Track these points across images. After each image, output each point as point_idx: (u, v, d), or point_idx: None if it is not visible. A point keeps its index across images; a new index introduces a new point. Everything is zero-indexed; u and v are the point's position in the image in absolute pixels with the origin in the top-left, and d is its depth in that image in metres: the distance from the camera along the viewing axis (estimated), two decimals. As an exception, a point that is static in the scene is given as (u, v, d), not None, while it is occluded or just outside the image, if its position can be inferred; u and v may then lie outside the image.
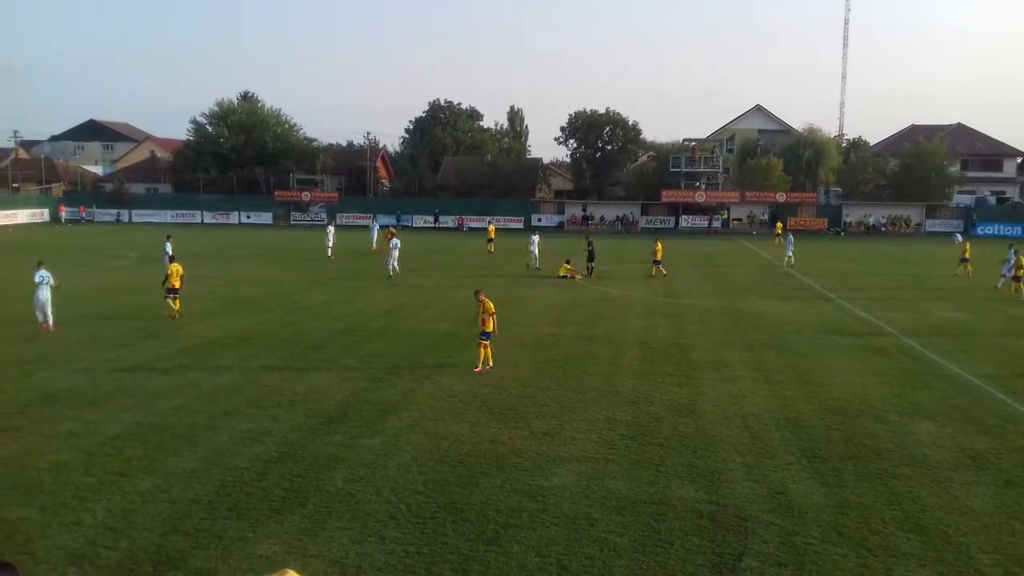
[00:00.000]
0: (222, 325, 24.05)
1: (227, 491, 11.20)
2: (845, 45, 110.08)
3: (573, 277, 36.93)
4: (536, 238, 43.12)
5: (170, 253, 30.51)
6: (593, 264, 38.39)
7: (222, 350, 20.44)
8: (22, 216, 77.16)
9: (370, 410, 15.23)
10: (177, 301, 25.28)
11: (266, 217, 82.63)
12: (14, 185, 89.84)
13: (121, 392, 16.32)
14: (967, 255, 40.55)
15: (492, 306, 18.53)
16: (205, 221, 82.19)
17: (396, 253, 37.64)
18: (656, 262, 38.72)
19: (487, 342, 18.49)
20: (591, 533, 9.98)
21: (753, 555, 9.46)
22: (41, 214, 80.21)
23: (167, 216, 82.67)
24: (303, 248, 53.14)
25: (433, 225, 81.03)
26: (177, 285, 25.28)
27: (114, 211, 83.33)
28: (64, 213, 79.60)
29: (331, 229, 48.96)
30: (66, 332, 22.66)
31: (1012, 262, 33.65)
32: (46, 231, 68.01)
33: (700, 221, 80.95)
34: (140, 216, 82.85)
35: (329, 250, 46.85)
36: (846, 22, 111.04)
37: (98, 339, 21.75)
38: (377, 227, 57.07)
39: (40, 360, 19.16)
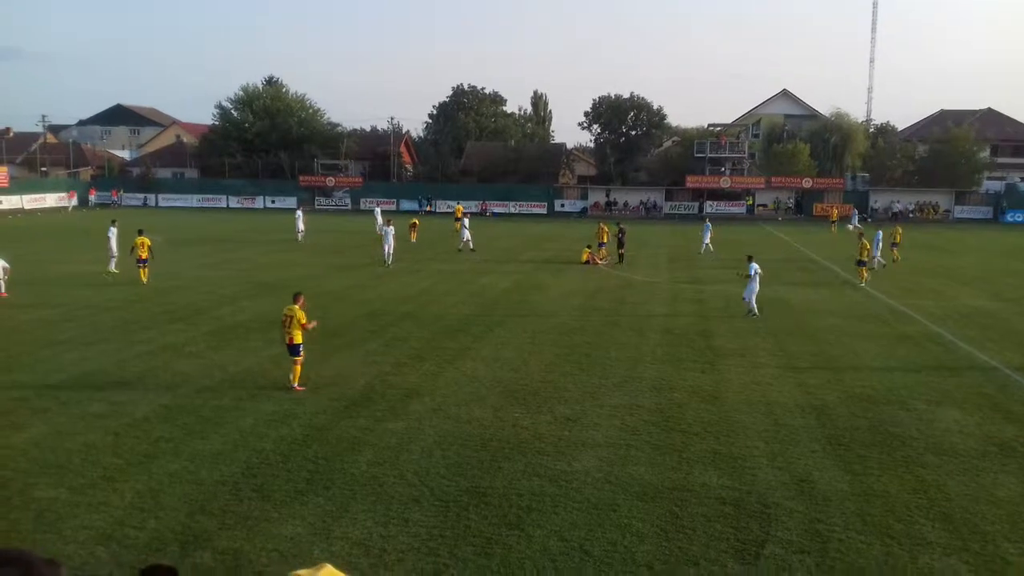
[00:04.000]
0: (247, 309, 24.24)
1: (252, 473, 11.33)
2: (873, 28, 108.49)
3: (595, 263, 36.84)
4: (467, 220, 44.52)
5: (113, 237, 31.43)
6: (624, 251, 38.22)
7: (247, 333, 20.60)
8: (50, 200, 77.93)
9: (393, 394, 15.31)
10: (146, 269, 28.66)
11: (291, 202, 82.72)
12: (42, 169, 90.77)
13: (149, 374, 16.52)
14: (897, 239, 39.81)
15: (303, 316, 15.59)
16: (231, 206, 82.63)
17: (391, 240, 35.77)
18: (601, 244, 38.33)
19: (299, 358, 15.59)
20: (613, 518, 9.99)
21: (776, 542, 9.43)
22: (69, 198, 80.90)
23: (193, 200, 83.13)
24: (328, 233, 53.33)
25: (423, 211, 76.82)
26: (144, 256, 28.51)
27: (141, 195, 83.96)
28: (94, 197, 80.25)
29: (299, 213, 48.74)
30: (95, 315, 22.94)
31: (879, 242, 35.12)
32: (74, 215, 68.68)
33: (726, 207, 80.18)
34: (166, 200, 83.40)
35: (299, 234, 46.48)
36: (875, 5, 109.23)
37: (126, 322, 22.00)
38: (380, 211, 56.82)
39: (69, 342, 19.41)
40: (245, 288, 28.38)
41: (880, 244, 36.35)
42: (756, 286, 23.90)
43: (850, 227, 59.92)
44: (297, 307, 15.63)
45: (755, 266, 24.09)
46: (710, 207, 79.77)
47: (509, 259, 39.34)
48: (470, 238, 42.55)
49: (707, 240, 43.77)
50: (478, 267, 35.57)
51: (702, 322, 23.08)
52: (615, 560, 9.00)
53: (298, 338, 15.45)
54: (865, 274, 31.30)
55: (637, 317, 23.91)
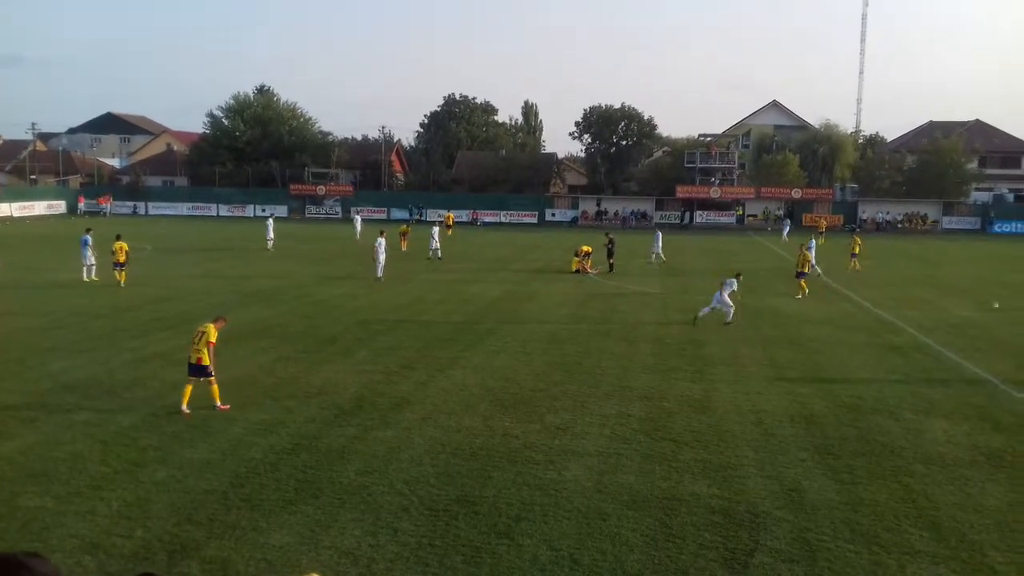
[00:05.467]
0: (237, 317, 24.04)
1: (241, 482, 11.28)
2: (862, 40, 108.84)
3: (585, 272, 36.88)
4: (436, 229, 44.65)
5: (89, 244, 31.91)
6: (613, 260, 38.21)
7: (237, 342, 20.47)
8: (39, 208, 77.61)
9: (383, 403, 15.28)
10: (124, 273, 30.05)
11: (281, 210, 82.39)
12: (32, 177, 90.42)
13: (137, 383, 16.45)
14: (856, 250, 39.72)
15: (215, 335, 14.62)
16: (221, 214, 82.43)
17: (382, 255, 33.67)
18: (587, 254, 37.94)
19: (212, 379, 14.52)
20: (603, 527, 9.99)
21: (765, 551, 9.44)
22: (58, 206, 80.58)
23: (183, 209, 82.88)
24: (319, 241, 53.30)
25: (414, 219, 73.16)
26: (122, 260, 29.99)
27: (131, 203, 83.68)
28: (82, 204, 79.95)
29: (270, 222, 48.72)
30: (83, 323, 22.83)
31: (811, 249, 34.04)
32: (62, 223, 68.29)
33: (716, 217, 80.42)
34: (156, 209, 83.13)
35: (270, 243, 46.49)
36: (863, 17, 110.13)
37: (115, 330, 21.91)
38: (360, 219, 57.50)
39: (57, 350, 19.32)
40: (234, 297, 28.31)
41: (814, 252, 36.07)
42: (725, 298, 24.03)
43: (783, 239, 60.06)
44: (212, 326, 14.74)
45: (732, 281, 24.53)
46: (700, 217, 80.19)
47: (500, 268, 39.37)
48: (438, 247, 42.56)
49: (658, 248, 43.05)
50: (468, 276, 35.55)
51: (692, 331, 23.11)
52: (604, 569, 8.99)
53: (206, 359, 14.34)
54: (805, 287, 30.56)
55: (627, 326, 23.94)
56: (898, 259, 47.76)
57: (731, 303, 24.26)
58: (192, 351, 14.54)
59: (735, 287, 24.68)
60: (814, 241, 37.22)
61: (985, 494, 11.28)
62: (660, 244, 43.46)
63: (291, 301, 27.50)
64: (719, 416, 14.83)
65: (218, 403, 14.58)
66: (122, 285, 29.64)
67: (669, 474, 11.86)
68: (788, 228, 65.26)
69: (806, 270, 31.20)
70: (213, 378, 14.51)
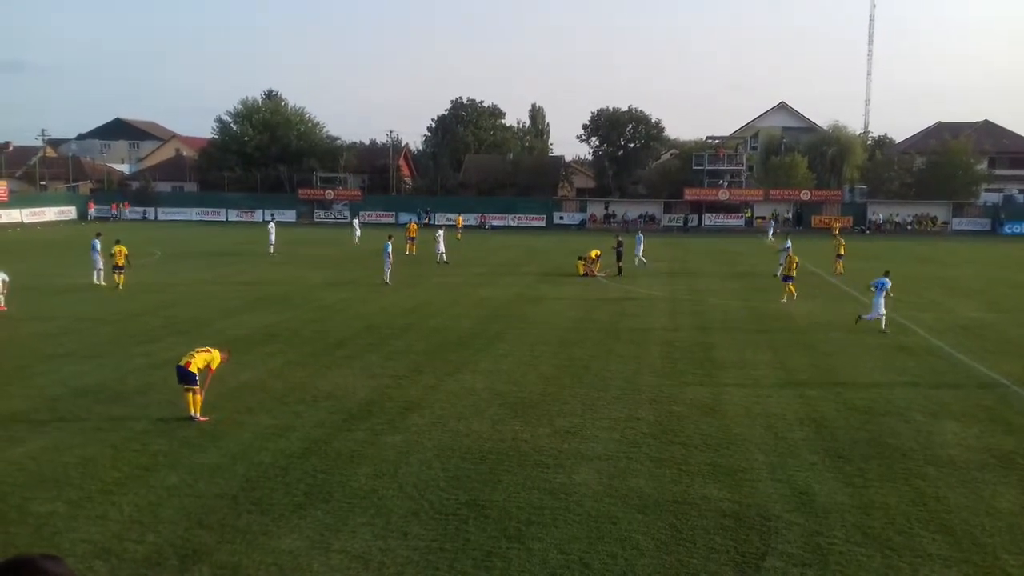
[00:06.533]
0: (246, 323, 24.22)
1: (251, 486, 11.30)
2: (870, 41, 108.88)
3: (593, 275, 36.84)
4: (441, 233, 44.55)
5: (98, 248, 32.37)
6: (622, 263, 38.15)
7: (247, 347, 20.55)
8: (50, 214, 78.02)
9: (393, 407, 15.29)
10: (122, 276, 30.75)
11: (290, 215, 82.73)
12: (42, 183, 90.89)
13: (147, 388, 16.49)
14: (842, 252, 39.18)
15: (217, 363, 14.64)
16: (230, 219, 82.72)
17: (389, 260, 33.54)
18: (596, 257, 37.97)
19: (197, 388, 14.16)
20: (613, 531, 9.97)
21: (776, 555, 9.41)
22: (69, 212, 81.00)
23: (192, 214, 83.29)
24: (327, 245, 53.44)
25: (422, 223, 70.93)
26: (121, 263, 30.70)
27: (140, 209, 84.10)
28: (93, 210, 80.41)
29: (272, 227, 48.86)
30: (94, 329, 22.92)
31: (788, 251, 32.62)
32: (73, 229, 68.61)
33: (724, 219, 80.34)
34: (166, 214, 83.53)
35: (271, 247, 46.78)
36: (871, 18, 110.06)
37: (125, 336, 21.98)
38: (358, 223, 58.29)
39: (68, 355, 19.39)
40: (243, 302, 28.37)
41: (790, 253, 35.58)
42: (879, 302, 23.58)
43: (768, 240, 59.58)
44: (219, 353, 14.67)
45: (884, 281, 24.07)
46: (708, 219, 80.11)
47: (508, 272, 39.36)
48: (443, 251, 42.51)
49: (639, 252, 42.23)
50: (477, 280, 35.57)
51: (702, 334, 23.07)
52: (615, 573, 8.97)
53: (194, 367, 14.01)
54: (793, 290, 29.66)
55: (636, 330, 23.90)
56: (907, 260, 47.53)
57: (884, 308, 23.76)
58: (185, 355, 14.33)
59: (888, 287, 24.14)
60: (789, 242, 36.14)
61: (997, 497, 11.22)
62: (642, 248, 42.64)
63: (299, 306, 27.55)
64: (729, 419, 14.78)
65: (198, 414, 14.13)
66: (120, 288, 30.14)
67: (679, 478, 11.83)
68: (772, 229, 65.10)
69: (794, 273, 30.42)
70: (198, 388, 14.14)
